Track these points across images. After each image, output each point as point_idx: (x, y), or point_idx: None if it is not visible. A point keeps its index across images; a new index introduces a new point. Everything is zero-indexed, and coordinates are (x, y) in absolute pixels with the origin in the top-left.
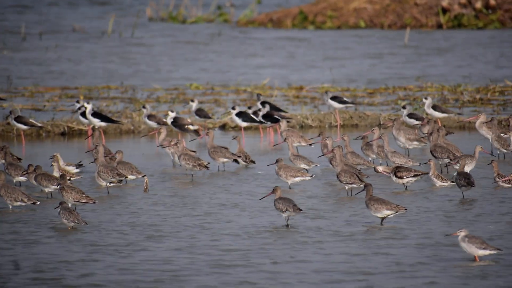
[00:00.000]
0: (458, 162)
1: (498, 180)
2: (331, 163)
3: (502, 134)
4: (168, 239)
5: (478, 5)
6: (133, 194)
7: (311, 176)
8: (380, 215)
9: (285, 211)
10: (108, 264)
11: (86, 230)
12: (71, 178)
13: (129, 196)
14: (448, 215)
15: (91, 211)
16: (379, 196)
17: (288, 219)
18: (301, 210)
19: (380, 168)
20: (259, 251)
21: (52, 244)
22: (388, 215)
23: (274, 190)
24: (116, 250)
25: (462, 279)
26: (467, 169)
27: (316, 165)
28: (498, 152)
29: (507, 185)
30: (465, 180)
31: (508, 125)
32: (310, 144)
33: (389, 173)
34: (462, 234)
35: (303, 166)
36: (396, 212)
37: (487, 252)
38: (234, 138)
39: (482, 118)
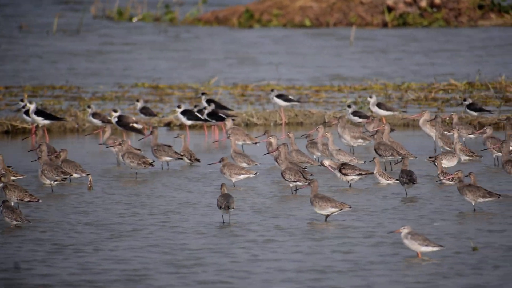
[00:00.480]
0: (400, 161)
1: (441, 178)
2: (276, 161)
3: (445, 132)
4: (121, 238)
5: (423, 3)
6: (77, 192)
7: (255, 173)
8: (324, 212)
9: (220, 208)
10: (64, 264)
11: (35, 229)
12: (15, 177)
13: (73, 195)
14: (391, 213)
15: (37, 210)
16: (324, 193)
17: (224, 216)
18: (230, 208)
19: (326, 162)
20: (215, 250)
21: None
22: (333, 212)
23: (221, 186)
24: (74, 249)
25: (403, 276)
26: (449, 164)
27: (257, 164)
28: (442, 150)
29: (450, 183)
30: (407, 177)
31: (452, 123)
32: (255, 143)
33: (335, 169)
34: (405, 231)
35: (243, 164)
36: (341, 209)
37: (429, 249)
38: (176, 137)
39: (426, 116)
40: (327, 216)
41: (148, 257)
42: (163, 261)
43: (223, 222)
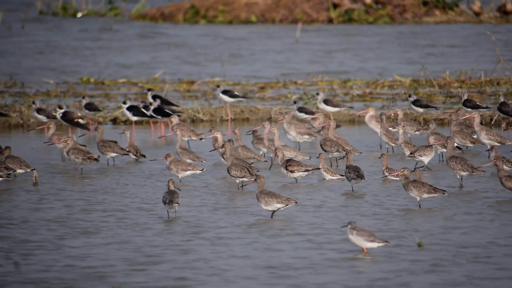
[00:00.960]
0: (344, 157)
1: (387, 174)
2: (222, 157)
3: (390, 128)
4: (75, 236)
5: (368, 0)
6: (22, 188)
7: (202, 169)
8: (270, 208)
9: (164, 203)
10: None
11: None
12: None
13: (19, 190)
14: (338, 209)
15: None
16: (269, 189)
17: (169, 211)
18: (174, 203)
19: (279, 155)
20: (170, 247)
21: None
22: (279, 208)
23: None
24: (35, 246)
25: (352, 273)
26: (426, 160)
27: (202, 161)
28: (387, 146)
29: (395, 179)
30: (354, 173)
31: (397, 119)
32: (201, 138)
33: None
34: (350, 227)
35: (189, 160)
36: (287, 205)
37: (375, 244)
38: (122, 133)
39: (371, 112)
40: (273, 211)
41: (107, 253)
42: (121, 258)
43: (168, 217)
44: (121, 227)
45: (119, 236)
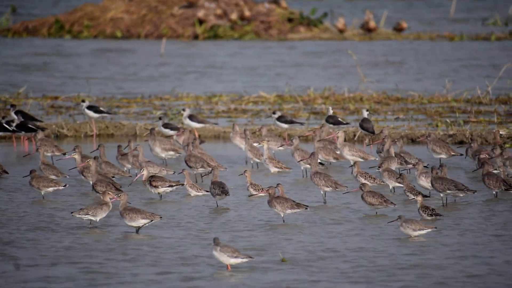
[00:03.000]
0: (210, 173)
1: (251, 190)
2: (82, 175)
3: (255, 144)
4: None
5: (234, 16)
6: None
7: (65, 185)
8: (135, 224)
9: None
10: None
11: None
12: None
13: None
14: (202, 225)
15: None
16: (134, 206)
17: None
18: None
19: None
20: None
21: None
22: (144, 224)
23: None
24: None
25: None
26: (393, 167)
27: (66, 176)
28: (252, 162)
29: (260, 195)
30: (219, 189)
31: (261, 135)
32: (64, 154)
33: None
34: (214, 243)
35: (52, 176)
36: (151, 220)
37: (238, 260)
38: None
39: (236, 128)
40: (138, 228)
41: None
42: None
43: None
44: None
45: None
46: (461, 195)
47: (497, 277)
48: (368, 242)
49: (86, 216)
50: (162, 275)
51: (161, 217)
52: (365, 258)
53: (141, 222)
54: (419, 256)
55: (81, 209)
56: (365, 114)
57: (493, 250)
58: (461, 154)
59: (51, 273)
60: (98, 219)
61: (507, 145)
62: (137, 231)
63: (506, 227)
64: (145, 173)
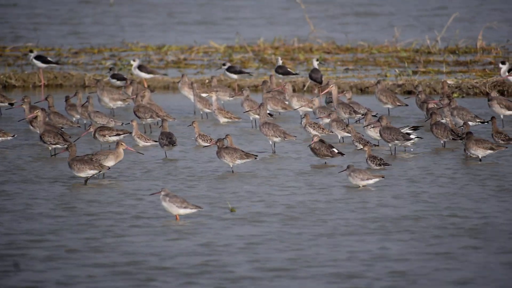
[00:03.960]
0: (161, 124)
1: (202, 143)
2: (31, 125)
3: (203, 95)
4: None
5: None
6: None
7: (13, 136)
8: (83, 174)
9: None
10: None
11: None
12: None
13: None
14: (151, 175)
15: None
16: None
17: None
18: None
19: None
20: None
21: None
22: (93, 174)
23: None
24: None
25: (161, 235)
26: (375, 135)
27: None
28: (201, 112)
29: (206, 144)
30: (167, 139)
31: (212, 85)
32: (11, 104)
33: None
34: (162, 193)
35: None
36: (100, 171)
37: (187, 210)
38: None
39: (184, 79)
40: (87, 178)
41: None
42: None
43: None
44: None
45: None
46: (409, 144)
47: (439, 221)
48: (316, 193)
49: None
50: (114, 226)
51: (109, 168)
52: (312, 209)
53: (89, 172)
54: (367, 204)
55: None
56: (315, 64)
57: (437, 196)
58: (407, 105)
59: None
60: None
61: (455, 95)
62: (85, 182)
63: (452, 175)
64: (91, 129)
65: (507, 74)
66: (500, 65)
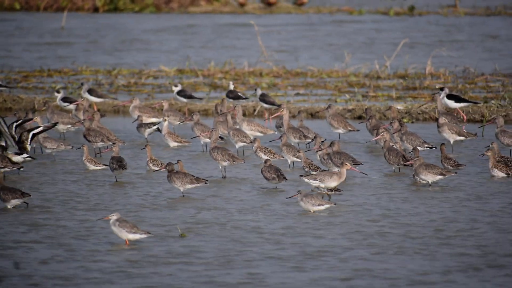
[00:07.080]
0: (112, 149)
1: (152, 167)
2: None
3: (154, 119)
4: None
5: None
6: None
7: None
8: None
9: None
10: None
11: None
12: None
13: None
14: (100, 199)
15: None
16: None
17: None
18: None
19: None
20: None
21: None
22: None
23: None
24: None
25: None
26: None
27: None
28: (146, 137)
29: (156, 169)
30: (117, 163)
31: (162, 110)
32: None
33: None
34: (113, 217)
35: None
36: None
37: (137, 236)
38: None
39: (135, 102)
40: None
41: None
42: None
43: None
44: None
45: None
46: (357, 170)
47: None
48: (269, 217)
49: None
50: (64, 251)
51: (30, 195)
52: (264, 232)
53: (12, 202)
54: (319, 231)
55: None
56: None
57: (387, 223)
58: (358, 130)
59: None
60: None
61: (404, 120)
62: (27, 206)
63: (403, 201)
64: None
65: (445, 99)
66: (440, 91)
